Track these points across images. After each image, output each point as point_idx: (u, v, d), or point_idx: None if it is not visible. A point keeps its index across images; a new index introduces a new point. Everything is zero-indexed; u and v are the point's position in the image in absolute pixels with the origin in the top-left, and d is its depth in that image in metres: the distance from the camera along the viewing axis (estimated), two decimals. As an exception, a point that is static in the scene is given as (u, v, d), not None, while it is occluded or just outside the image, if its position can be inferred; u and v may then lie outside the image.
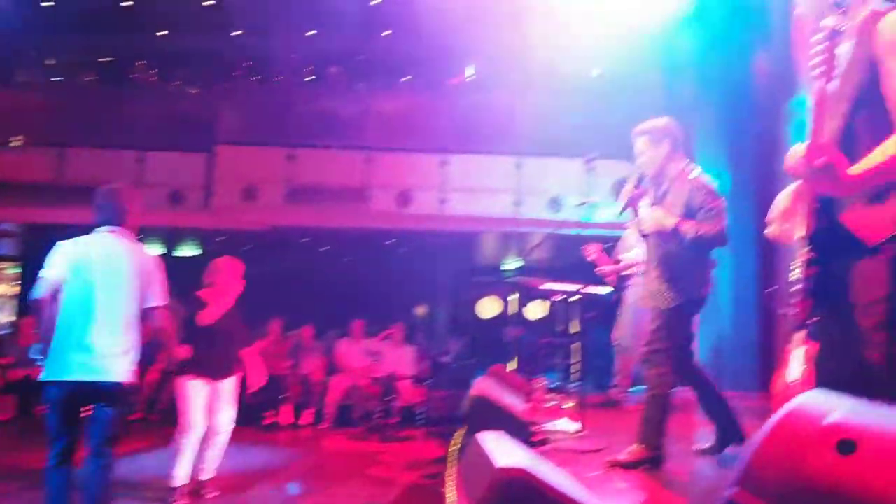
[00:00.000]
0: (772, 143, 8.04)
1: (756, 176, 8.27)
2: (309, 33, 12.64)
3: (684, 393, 4.33)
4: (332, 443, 8.33)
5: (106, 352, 3.62)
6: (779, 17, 7.82)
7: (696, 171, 3.94)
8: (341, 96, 10.82)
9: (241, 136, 10.37)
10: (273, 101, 10.70)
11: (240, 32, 12.64)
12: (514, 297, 13.80)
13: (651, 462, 3.73)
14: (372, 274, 15.00)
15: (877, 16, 2.07)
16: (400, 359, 9.76)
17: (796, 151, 1.88)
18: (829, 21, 1.75)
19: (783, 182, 2.27)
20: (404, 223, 10.31)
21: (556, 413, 5.82)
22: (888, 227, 1.97)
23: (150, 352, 7.96)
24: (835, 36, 1.74)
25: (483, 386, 4.51)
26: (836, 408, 1.38)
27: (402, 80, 11.46)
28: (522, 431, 4.15)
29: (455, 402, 8.91)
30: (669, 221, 3.77)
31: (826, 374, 2.25)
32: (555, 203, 9.87)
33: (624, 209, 4.05)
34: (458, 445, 4.31)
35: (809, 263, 2.11)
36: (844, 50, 2.19)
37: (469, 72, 13.10)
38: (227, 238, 10.96)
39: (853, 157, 1.93)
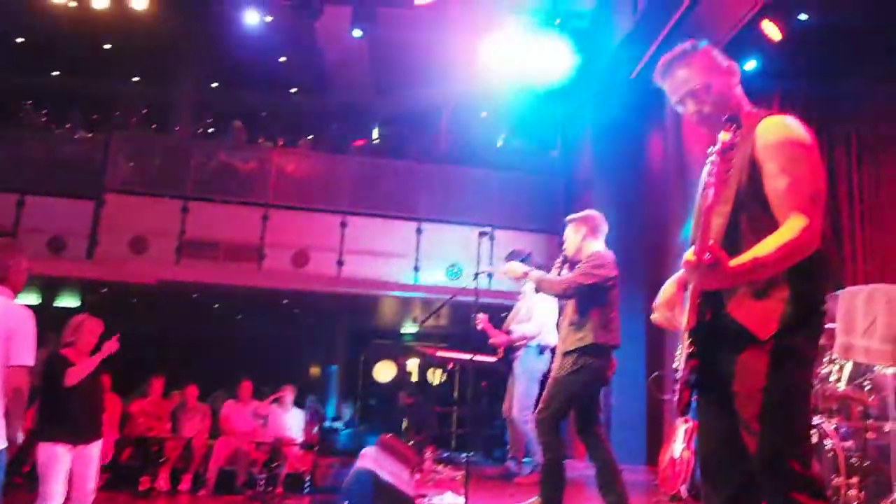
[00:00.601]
0: (662, 226, 8.37)
1: (647, 255, 8.56)
2: (213, 85, 12.49)
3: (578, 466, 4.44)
4: (213, 512, 7.89)
5: None
6: (672, 105, 8.19)
7: (602, 250, 4.44)
8: (242, 151, 10.57)
9: (133, 185, 9.92)
10: (170, 151, 10.35)
11: (138, 79, 12.34)
12: (410, 363, 13.65)
13: None
14: (264, 333, 14.56)
15: (754, 119, 2.18)
16: (289, 423, 9.37)
17: (686, 254, 1.93)
18: (724, 136, 1.80)
19: (673, 263, 2.31)
20: (300, 284, 10.05)
21: (444, 485, 5.69)
22: (773, 322, 2.03)
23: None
24: (728, 150, 1.79)
25: (369, 458, 4.34)
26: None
27: (306, 138, 11.35)
28: (407, 508, 4.01)
29: (344, 470, 8.60)
30: (521, 270, 4.38)
31: (705, 459, 2.29)
32: (454, 270, 9.89)
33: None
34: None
35: (690, 356, 2.14)
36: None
37: (374, 134, 13.19)
38: (111, 290, 10.41)
39: (737, 255, 1.99)
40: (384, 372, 15.31)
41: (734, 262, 1.92)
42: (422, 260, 9.96)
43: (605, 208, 8.94)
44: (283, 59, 11.60)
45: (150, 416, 9.12)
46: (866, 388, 4.40)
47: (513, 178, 10.58)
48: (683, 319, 2.21)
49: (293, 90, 12.81)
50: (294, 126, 11.97)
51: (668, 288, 2.42)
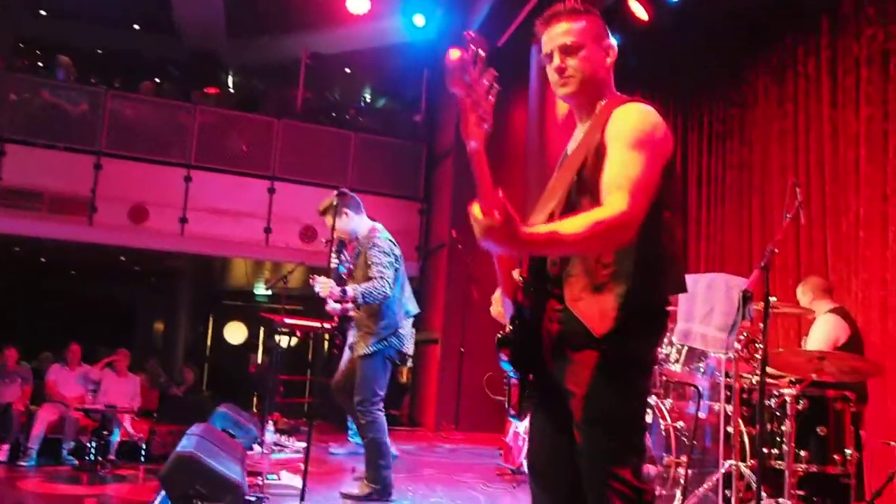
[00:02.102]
0: (520, 199, 8.39)
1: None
2: (40, 13, 11.25)
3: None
4: (32, 484, 7.34)
5: None
6: (538, 74, 8.23)
7: (379, 233, 4.56)
8: (71, 91, 9.56)
9: (-64, 122, 8.82)
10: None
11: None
12: (262, 327, 13.21)
13: (378, 494, 4.37)
14: (100, 291, 13.65)
15: (614, 103, 2.07)
16: (123, 389, 8.90)
17: (474, 209, 1.71)
18: (454, 54, 1.60)
19: None
20: (137, 241, 9.34)
21: (281, 465, 5.50)
22: (612, 320, 1.92)
23: None
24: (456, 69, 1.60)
25: (193, 439, 4.00)
26: None
27: (148, 81, 10.44)
28: (232, 496, 3.71)
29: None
30: (336, 290, 4.27)
31: (535, 459, 2.20)
32: (308, 233, 9.51)
33: (337, 272, 4.61)
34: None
35: (503, 344, 2.02)
36: (578, 135, 2.17)
37: (229, 83, 12.43)
38: (-87, 242, 9.31)
39: None
40: (234, 334, 14.82)
41: (530, 229, 1.75)
42: (274, 221, 9.51)
43: (466, 177, 8.99)
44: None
45: (-39, 380, 8.46)
46: (701, 371, 4.51)
47: (374, 140, 10.27)
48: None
49: (135, 27, 11.75)
50: (134, 68, 10.94)
51: (508, 280, 2.27)
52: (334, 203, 4.51)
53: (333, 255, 4.57)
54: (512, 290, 2.02)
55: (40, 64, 10.66)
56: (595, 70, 2.10)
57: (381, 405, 4.45)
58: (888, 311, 5.08)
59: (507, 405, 2.10)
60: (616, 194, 1.86)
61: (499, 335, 2.01)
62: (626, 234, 1.85)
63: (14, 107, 9.00)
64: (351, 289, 4.29)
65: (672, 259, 2.03)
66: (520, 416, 2.11)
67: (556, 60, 2.10)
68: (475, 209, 1.69)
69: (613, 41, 2.16)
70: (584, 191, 1.98)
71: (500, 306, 2.21)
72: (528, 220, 1.96)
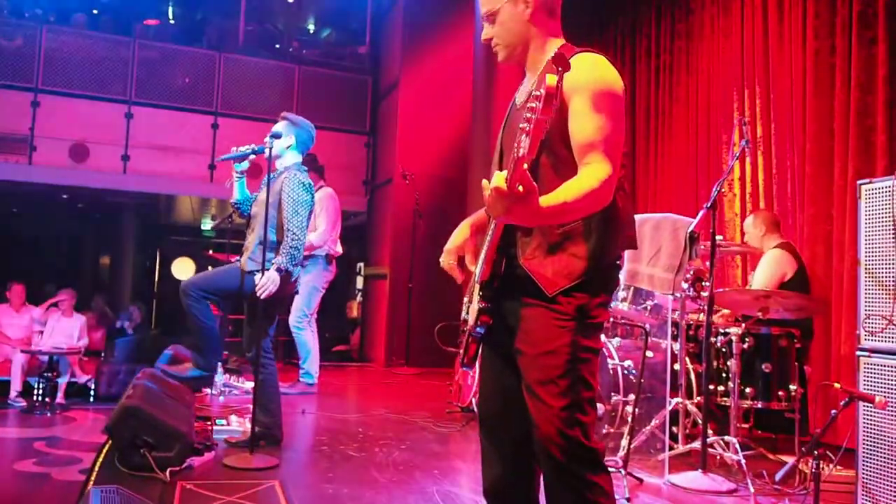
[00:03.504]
0: (466, 132, 8.28)
1: (452, 163, 8.52)
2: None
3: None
4: (-27, 429, 7.18)
5: None
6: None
7: (299, 179, 4.26)
8: (5, 26, 9.00)
9: None
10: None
11: None
12: (210, 264, 12.97)
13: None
14: (44, 230, 13.25)
15: (567, 54, 1.96)
16: (69, 329, 8.75)
17: (496, 179, 1.65)
18: (551, 79, 1.54)
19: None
20: (79, 180, 9.03)
21: (230, 408, 5.49)
22: (564, 278, 1.92)
23: None
24: (553, 97, 1.53)
25: (138, 389, 3.92)
26: None
27: (83, 13, 9.89)
28: (180, 445, 3.67)
29: (131, 379, 8.11)
30: (274, 279, 4.05)
31: (485, 415, 2.20)
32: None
33: (225, 158, 4.32)
34: (101, 461, 3.73)
35: (483, 312, 2.01)
36: (527, 86, 2.10)
37: (169, 14, 11.86)
38: None
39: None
40: (183, 270, 14.56)
41: (543, 200, 1.73)
42: (218, 157, 9.26)
43: (412, 110, 8.82)
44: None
45: None
46: (648, 310, 4.56)
47: (318, 73, 9.99)
48: (477, 270, 2.06)
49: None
50: (69, 1, 10.34)
51: (460, 232, 2.25)
52: (297, 125, 4.40)
53: (247, 150, 4.24)
54: (491, 256, 1.99)
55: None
56: (517, 31, 2.06)
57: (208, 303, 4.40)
58: (833, 246, 5.15)
59: (461, 356, 2.10)
60: (595, 157, 1.85)
61: (481, 305, 2.00)
62: (609, 199, 1.87)
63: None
64: (279, 262, 4.11)
65: (624, 216, 2.00)
66: (472, 367, 2.14)
67: (485, 31, 2.10)
68: (498, 182, 1.64)
69: None
70: (547, 149, 1.93)
71: (451, 258, 2.20)
72: (489, 170, 1.94)
